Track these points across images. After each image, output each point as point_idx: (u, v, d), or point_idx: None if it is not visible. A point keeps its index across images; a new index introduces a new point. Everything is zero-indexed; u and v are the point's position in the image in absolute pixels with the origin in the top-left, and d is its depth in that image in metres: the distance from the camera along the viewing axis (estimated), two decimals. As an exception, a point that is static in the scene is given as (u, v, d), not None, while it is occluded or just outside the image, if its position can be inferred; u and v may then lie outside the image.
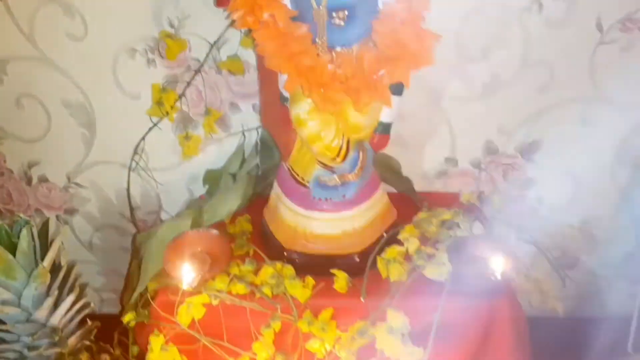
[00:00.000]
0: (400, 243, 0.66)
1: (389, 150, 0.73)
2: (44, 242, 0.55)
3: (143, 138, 0.75)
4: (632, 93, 0.75)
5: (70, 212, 0.81)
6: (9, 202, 0.81)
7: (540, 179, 0.80)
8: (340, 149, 0.59)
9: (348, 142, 0.60)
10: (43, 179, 0.79)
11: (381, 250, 0.66)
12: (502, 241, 0.65)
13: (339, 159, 0.60)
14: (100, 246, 0.84)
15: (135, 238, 0.73)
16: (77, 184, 0.79)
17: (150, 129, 0.74)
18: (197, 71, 0.72)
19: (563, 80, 0.73)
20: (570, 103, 0.75)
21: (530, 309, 0.82)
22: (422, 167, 0.79)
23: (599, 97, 0.75)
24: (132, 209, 0.78)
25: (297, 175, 0.64)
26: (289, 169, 0.65)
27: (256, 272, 0.64)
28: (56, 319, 0.54)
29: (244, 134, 0.76)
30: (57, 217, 0.81)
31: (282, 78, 0.59)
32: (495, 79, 0.73)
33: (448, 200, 0.75)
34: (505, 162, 0.78)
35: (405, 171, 0.76)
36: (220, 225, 0.69)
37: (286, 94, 0.59)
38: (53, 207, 0.81)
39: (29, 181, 0.79)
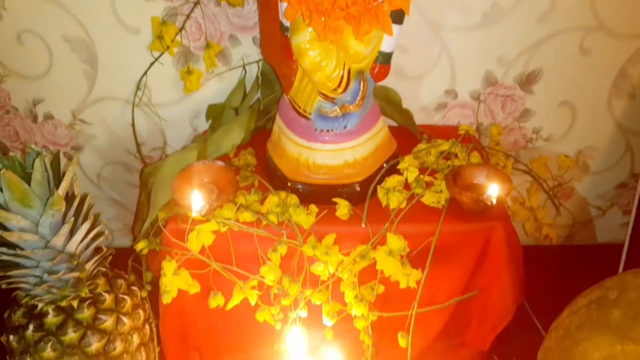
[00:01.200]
0: (399, 173, 0.69)
1: (389, 82, 0.74)
2: (57, 173, 0.57)
3: (145, 73, 0.76)
4: (631, 23, 0.75)
5: (77, 148, 0.83)
6: (15, 140, 0.82)
7: (538, 110, 0.81)
8: (341, 79, 0.60)
9: (349, 72, 0.60)
10: (48, 116, 0.80)
11: (381, 180, 0.68)
12: (499, 170, 0.67)
13: (340, 90, 0.61)
14: (107, 182, 0.86)
15: (143, 171, 0.75)
16: (82, 120, 0.80)
17: (152, 63, 0.75)
18: (197, 3, 0.71)
19: (563, 10, 0.73)
20: (569, 32, 0.75)
21: (525, 237, 0.85)
22: (421, 99, 0.80)
23: (598, 27, 0.75)
24: (138, 144, 0.79)
25: (299, 107, 0.65)
26: (290, 101, 0.66)
27: (262, 201, 0.66)
28: (73, 245, 0.57)
29: (244, 68, 0.76)
30: (64, 154, 0.83)
31: (282, 6, 0.59)
32: (496, 8, 0.73)
33: (447, 132, 0.77)
34: (504, 93, 0.79)
35: (405, 104, 0.77)
36: (224, 159, 0.70)
37: (286, 23, 0.59)
38: (60, 144, 0.82)
39: (34, 119, 0.80)
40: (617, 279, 0.56)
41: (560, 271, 0.85)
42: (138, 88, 0.77)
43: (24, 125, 0.81)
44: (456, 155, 0.71)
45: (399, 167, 0.68)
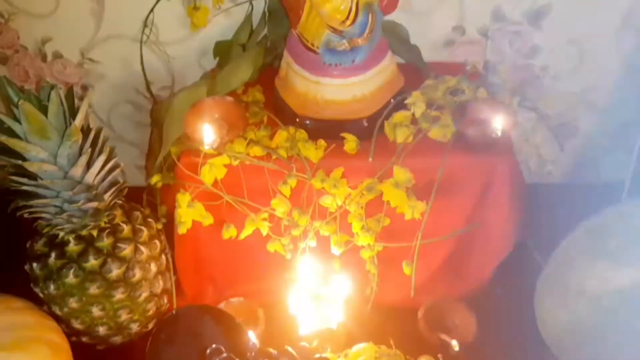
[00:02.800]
0: (407, 109, 0.69)
1: (397, 18, 0.74)
2: (71, 107, 0.58)
3: (152, 10, 0.75)
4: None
5: (87, 88, 0.84)
6: (26, 80, 0.83)
7: (546, 47, 0.81)
8: (350, 11, 0.60)
9: (357, 4, 0.60)
10: (57, 55, 0.81)
11: (389, 115, 0.69)
12: (504, 105, 0.68)
13: (348, 22, 0.61)
14: (117, 122, 0.88)
15: (153, 108, 0.76)
16: (90, 59, 0.81)
17: (158, 0, 0.74)
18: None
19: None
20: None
21: (528, 174, 0.87)
22: (429, 35, 0.79)
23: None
24: (147, 82, 0.80)
25: (307, 41, 0.65)
26: (298, 35, 0.66)
27: (271, 137, 0.67)
28: (90, 177, 0.59)
29: (251, 3, 0.75)
30: (75, 93, 0.84)
31: None
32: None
33: (455, 69, 0.77)
34: (512, 29, 0.79)
35: (413, 40, 0.77)
36: (232, 96, 0.71)
37: (295, -46, 0.59)
38: (69, 83, 0.83)
39: (43, 58, 0.81)
40: (616, 208, 0.58)
41: (562, 209, 0.87)
42: (145, 25, 0.77)
43: (33, 65, 0.82)
44: (463, 92, 0.71)
45: (406, 102, 0.69)
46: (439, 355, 0.56)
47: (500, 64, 0.80)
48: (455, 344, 0.64)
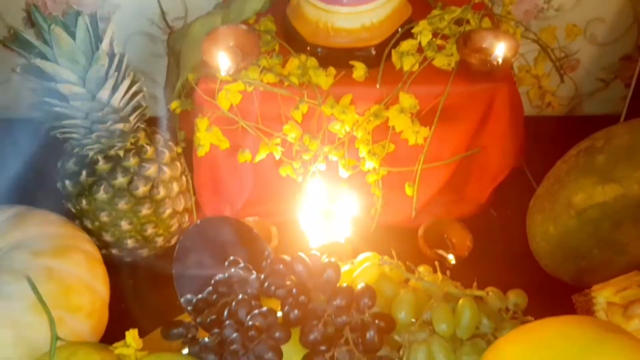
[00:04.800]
0: (413, 38, 0.72)
1: (406, -52, 0.75)
2: (96, 33, 0.61)
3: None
4: None
5: (103, 19, 0.86)
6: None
7: (551, -22, 0.82)
8: (360, -61, 0.62)
9: None
10: (74, -15, 0.83)
11: (396, 44, 0.72)
12: (507, 33, 0.71)
13: (358, -49, 0.63)
14: (133, 53, 0.90)
15: (170, 37, 0.79)
16: (106, -12, 0.83)
17: None
18: None
19: None
20: None
21: (528, 107, 0.90)
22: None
23: None
24: (162, 11, 0.82)
25: (318, -30, 0.67)
26: (310, -36, 0.68)
27: (283, 64, 0.71)
28: (116, 100, 0.63)
29: None
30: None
31: None
32: None
33: (460, 1, 0.79)
34: (518, -41, 0.80)
35: (421, -30, 0.78)
36: (246, 25, 0.74)
37: None
38: (86, 14, 0.85)
39: (60, -12, 0.83)
40: (605, 130, 0.62)
41: (560, 141, 0.90)
42: (158, -46, 0.78)
43: (50, -5, 0.84)
44: (468, 22, 0.74)
45: (413, 31, 0.72)
46: (436, 263, 0.61)
47: (506, -4, 0.82)
48: (451, 258, 0.70)
